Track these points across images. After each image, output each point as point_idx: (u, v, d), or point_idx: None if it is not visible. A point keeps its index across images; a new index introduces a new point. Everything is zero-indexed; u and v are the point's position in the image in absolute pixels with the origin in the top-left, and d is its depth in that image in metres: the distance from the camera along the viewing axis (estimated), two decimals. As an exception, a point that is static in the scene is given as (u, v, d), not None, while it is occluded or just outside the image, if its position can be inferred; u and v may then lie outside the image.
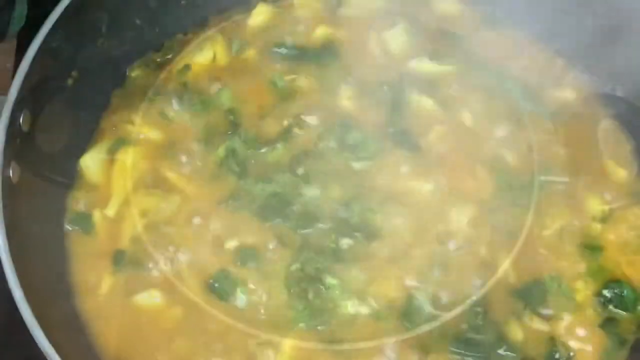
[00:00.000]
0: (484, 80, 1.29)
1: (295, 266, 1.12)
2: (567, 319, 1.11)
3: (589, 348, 1.09)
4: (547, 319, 1.11)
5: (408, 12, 1.35)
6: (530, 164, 1.23)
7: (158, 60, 1.33)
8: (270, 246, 1.14)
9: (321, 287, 1.11)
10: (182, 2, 1.35)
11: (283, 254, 1.13)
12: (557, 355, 1.08)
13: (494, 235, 1.16)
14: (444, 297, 1.10)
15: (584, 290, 1.13)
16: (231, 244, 1.14)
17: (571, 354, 1.09)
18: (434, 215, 1.16)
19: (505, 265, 1.14)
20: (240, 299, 1.11)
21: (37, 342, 0.95)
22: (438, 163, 1.21)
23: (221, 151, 1.22)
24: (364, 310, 1.09)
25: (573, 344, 1.10)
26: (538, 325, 1.10)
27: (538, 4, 1.33)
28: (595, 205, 1.19)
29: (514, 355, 1.07)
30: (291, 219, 1.16)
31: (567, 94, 1.30)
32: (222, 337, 1.09)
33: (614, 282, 1.14)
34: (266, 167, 1.21)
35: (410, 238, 1.14)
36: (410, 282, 1.11)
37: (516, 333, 1.09)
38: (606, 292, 1.13)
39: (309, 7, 1.38)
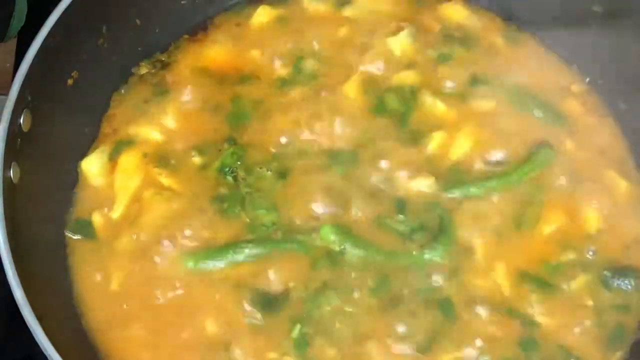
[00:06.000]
0: (490, 88, 1.29)
1: None
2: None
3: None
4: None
5: (414, 17, 1.35)
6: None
7: (162, 61, 1.33)
8: None
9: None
10: (183, 2, 1.35)
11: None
12: None
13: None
14: None
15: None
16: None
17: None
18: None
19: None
20: None
21: (37, 341, 0.95)
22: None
23: (218, 163, 1.21)
24: None
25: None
26: None
27: (546, 12, 1.33)
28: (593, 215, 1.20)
29: None
30: None
31: (573, 103, 1.30)
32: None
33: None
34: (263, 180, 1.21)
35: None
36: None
37: None
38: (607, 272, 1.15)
39: (312, 8, 1.37)
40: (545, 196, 1.21)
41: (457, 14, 1.38)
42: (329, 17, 1.36)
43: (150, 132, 1.25)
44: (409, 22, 1.34)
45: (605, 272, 1.15)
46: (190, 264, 1.13)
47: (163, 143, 1.24)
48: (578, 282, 1.15)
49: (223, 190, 1.19)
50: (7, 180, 1.02)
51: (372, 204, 1.18)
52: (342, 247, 1.14)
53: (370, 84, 1.29)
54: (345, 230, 1.15)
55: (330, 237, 1.14)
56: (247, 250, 1.14)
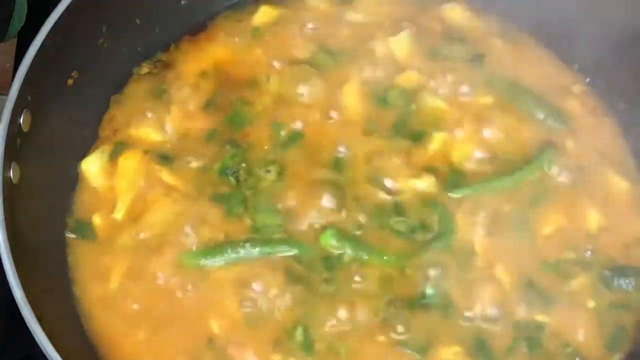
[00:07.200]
0: (491, 89, 1.29)
1: None
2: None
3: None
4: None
5: (415, 18, 1.35)
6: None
7: (162, 61, 1.32)
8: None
9: None
10: (183, 2, 1.35)
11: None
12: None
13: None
14: None
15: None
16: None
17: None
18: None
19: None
20: None
21: (37, 341, 0.95)
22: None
23: (219, 165, 1.21)
24: None
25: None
26: None
27: (547, 13, 1.33)
28: (593, 215, 1.20)
29: None
30: None
31: (573, 103, 1.30)
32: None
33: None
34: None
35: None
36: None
37: None
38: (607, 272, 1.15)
39: (314, 8, 1.37)
40: (545, 196, 1.21)
41: (458, 14, 1.38)
42: (330, 17, 1.36)
43: (150, 133, 1.24)
44: (409, 23, 1.34)
45: (606, 272, 1.16)
46: (190, 263, 1.13)
47: (164, 143, 1.24)
48: (578, 282, 1.15)
49: (225, 191, 1.19)
50: (7, 180, 1.02)
51: (373, 204, 1.18)
52: (343, 250, 1.14)
53: (371, 84, 1.29)
54: (345, 234, 1.15)
55: (330, 242, 1.14)
56: (244, 249, 1.14)
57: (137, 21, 1.30)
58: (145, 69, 1.32)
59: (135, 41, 1.30)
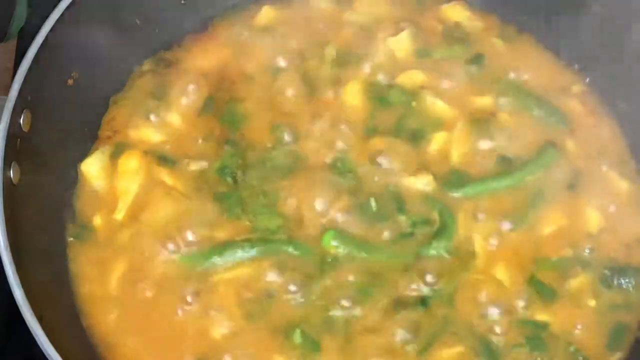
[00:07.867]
0: (491, 89, 1.30)
1: None
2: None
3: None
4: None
5: (415, 18, 1.36)
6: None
7: (163, 61, 1.32)
8: None
9: None
10: (183, 2, 1.35)
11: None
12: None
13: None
14: None
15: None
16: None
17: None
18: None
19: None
20: None
21: (37, 341, 0.95)
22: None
23: (217, 165, 1.21)
24: None
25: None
26: None
27: (547, 13, 1.33)
28: (594, 215, 1.20)
29: None
30: None
31: (573, 103, 1.31)
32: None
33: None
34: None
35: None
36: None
37: None
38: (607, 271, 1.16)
39: (315, 9, 1.37)
40: (545, 196, 1.21)
41: (458, 14, 1.38)
42: (331, 18, 1.36)
43: (151, 133, 1.24)
44: (409, 23, 1.35)
45: (606, 272, 1.16)
46: (190, 263, 1.13)
47: (164, 144, 1.24)
48: (579, 282, 1.15)
49: (223, 191, 1.19)
50: (7, 180, 1.02)
51: (374, 204, 1.18)
52: (344, 250, 1.14)
53: (371, 84, 1.29)
54: (346, 234, 1.15)
55: (331, 242, 1.14)
56: (244, 249, 1.13)
57: (137, 22, 1.30)
58: (145, 69, 1.31)
59: (135, 42, 1.30)
